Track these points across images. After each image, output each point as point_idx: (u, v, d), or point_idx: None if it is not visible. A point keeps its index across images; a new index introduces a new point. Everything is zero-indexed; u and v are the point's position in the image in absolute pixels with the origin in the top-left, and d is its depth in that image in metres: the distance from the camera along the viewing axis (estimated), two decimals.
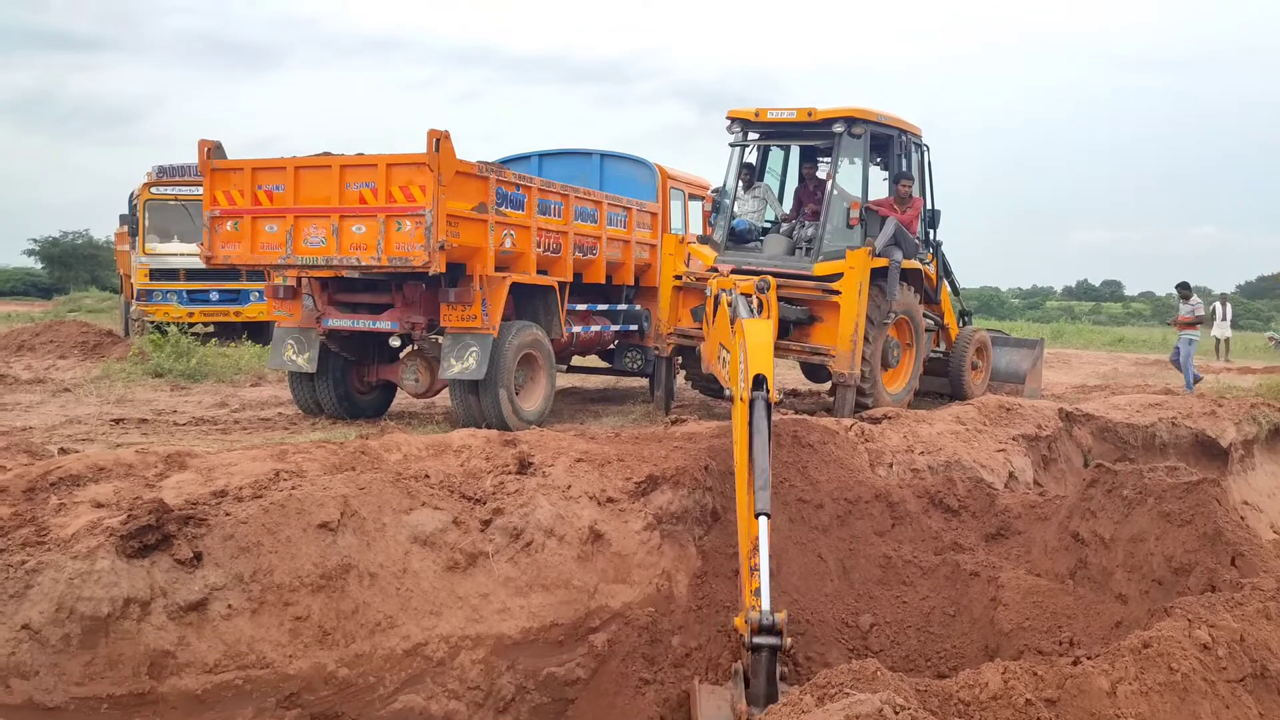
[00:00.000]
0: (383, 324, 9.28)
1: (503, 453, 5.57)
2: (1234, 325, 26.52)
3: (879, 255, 9.68)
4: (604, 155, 12.35)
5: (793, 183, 11.28)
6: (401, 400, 10.86)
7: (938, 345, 11.60)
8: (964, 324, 12.11)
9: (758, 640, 3.90)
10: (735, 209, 10.53)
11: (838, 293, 9.39)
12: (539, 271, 9.75)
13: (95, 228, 55.53)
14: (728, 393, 5.26)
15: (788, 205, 11.10)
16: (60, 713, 3.57)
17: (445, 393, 9.76)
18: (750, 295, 6.07)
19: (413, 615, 4.44)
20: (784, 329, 9.38)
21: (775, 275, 7.22)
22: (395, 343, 9.86)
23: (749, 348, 4.91)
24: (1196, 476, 4.97)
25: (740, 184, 10.67)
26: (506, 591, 4.80)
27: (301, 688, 4.03)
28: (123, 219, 19.22)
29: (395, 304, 9.33)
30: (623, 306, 11.67)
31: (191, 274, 16.89)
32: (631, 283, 11.62)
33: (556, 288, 9.94)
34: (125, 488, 4.47)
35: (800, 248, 10.08)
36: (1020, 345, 12.79)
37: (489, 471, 5.33)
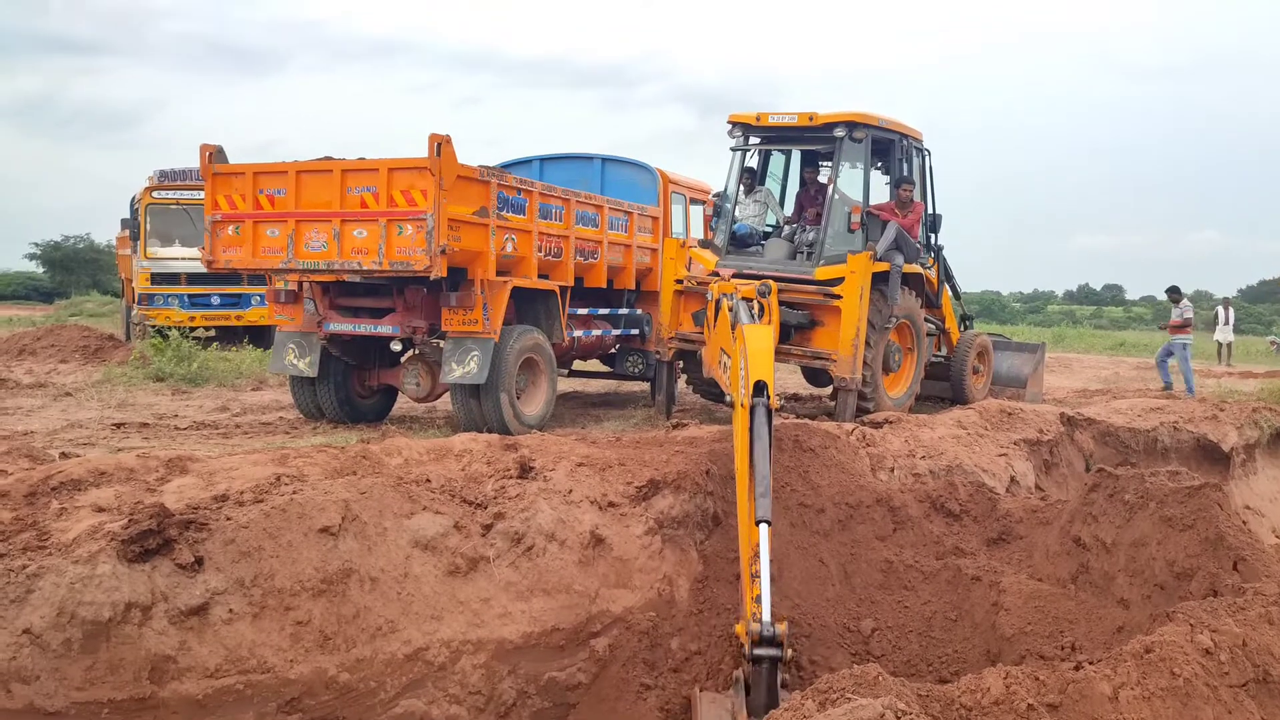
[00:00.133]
0: (384, 328, 9.29)
1: (504, 457, 5.57)
2: (1235, 330, 26.50)
3: (880, 259, 9.69)
4: (605, 160, 12.36)
5: (794, 187, 11.29)
6: (402, 404, 10.86)
7: (939, 349, 11.60)
8: (965, 328, 12.11)
9: (758, 652, 3.90)
10: (736, 213, 10.54)
11: (839, 297, 9.39)
12: (540, 276, 9.75)
13: (96, 232, 55.67)
14: (728, 398, 5.26)
15: (789, 209, 11.10)
16: (61, 717, 3.56)
17: (446, 397, 9.76)
18: (751, 300, 6.07)
19: (414, 620, 4.43)
20: (785, 333, 9.38)
21: (776, 279, 7.21)
22: (396, 347, 9.87)
23: (750, 353, 4.91)
24: (1198, 481, 4.96)
25: (741, 188, 10.68)
26: (508, 596, 4.80)
27: (302, 692, 4.03)
28: (124, 223, 19.24)
29: (396, 308, 9.33)
30: (624, 311, 11.67)
31: (193, 278, 16.91)
32: (633, 287, 11.63)
33: (558, 292, 9.94)
34: (126, 492, 4.47)
35: (801, 252, 10.09)
36: (1021, 349, 12.79)
37: (490, 476, 5.33)
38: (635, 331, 11.76)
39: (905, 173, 10.46)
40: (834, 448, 6.49)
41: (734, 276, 8.88)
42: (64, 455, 5.81)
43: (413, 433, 8.41)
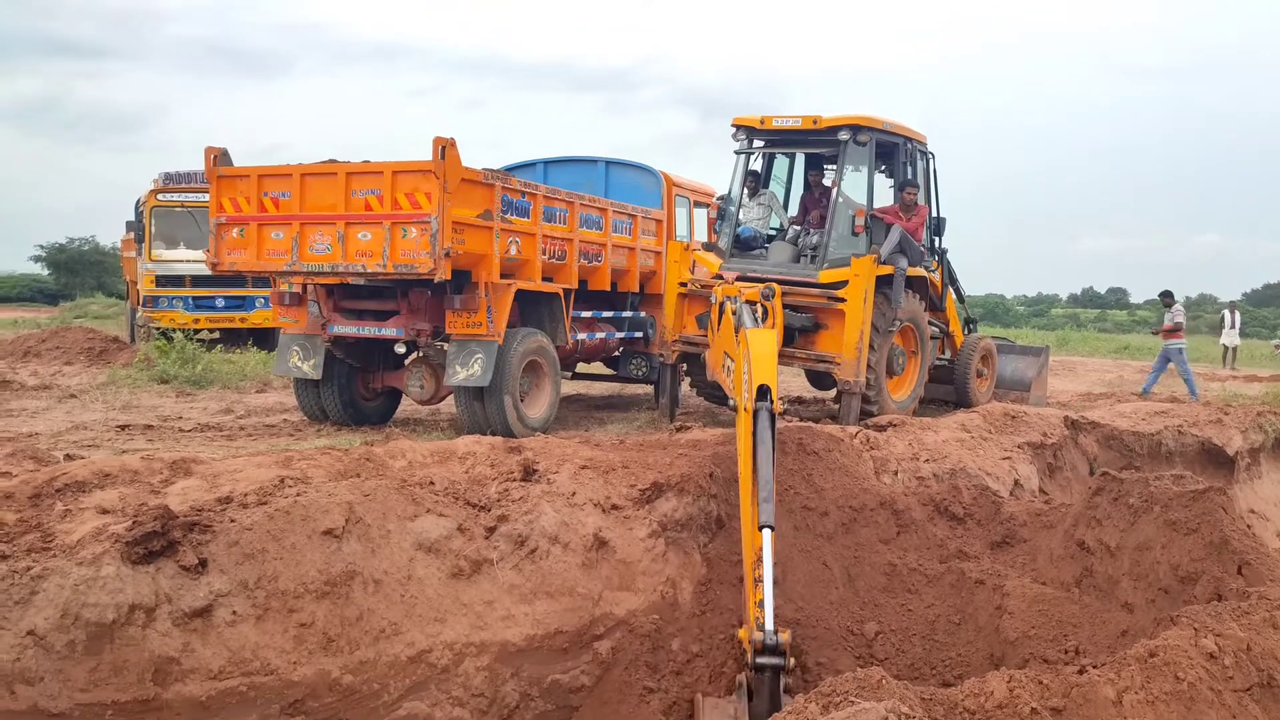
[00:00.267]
0: (388, 331, 9.29)
1: (507, 459, 5.57)
2: (1240, 333, 26.46)
3: (884, 263, 9.68)
4: (609, 163, 12.37)
5: (798, 190, 11.29)
6: (406, 407, 10.87)
7: (943, 353, 11.59)
8: (969, 331, 12.10)
9: (761, 661, 3.91)
10: (740, 216, 10.54)
11: (843, 300, 9.39)
12: (544, 278, 9.76)
13: (101, 234, 55.73)
14: (732, 402, 5.26)
15: (793, 213, 11.10)
16: (65, 719, 3.57)
17: (450, 399, 9.77)
18: (755, 303, 6.08)
19: (417, 622, 4.43)
20: (789, 336, 9.38)
21: (780, 283, 7.22)
22: (400, 349, 9.88)
23: (753, 358, 4.91)
24: (1202, 485, 4.96)
25: (745, 191, 10.68)
26: (511, 598, 4.80)
27: (306, 694, 4.03)
28: (129, 225, 19.28)
29: (400, 311, 9.34)
30: (628, 313, 11.67)
31: (197, 280, 16.94)
32: (636, 290, 11.63)
33: (561, 295, 9.95)
34: (131, 494, 4.48)
35: (805, 255, 10.09)
36: (1025, 353, 12.78)
37: (494, 478, 5.33)
38: (639, 334, 11.76)
39: (909, 176, 10.45)
40: (838, 451, 6.49)
41: (738, 279, 8.89)
42: (68, 457, 5.82)
43: (416, 435, 8.41)
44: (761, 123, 10.16)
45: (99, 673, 3.64)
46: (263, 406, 10.97)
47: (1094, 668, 3.32)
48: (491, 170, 9.09)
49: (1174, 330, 15.74)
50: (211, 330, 17.29)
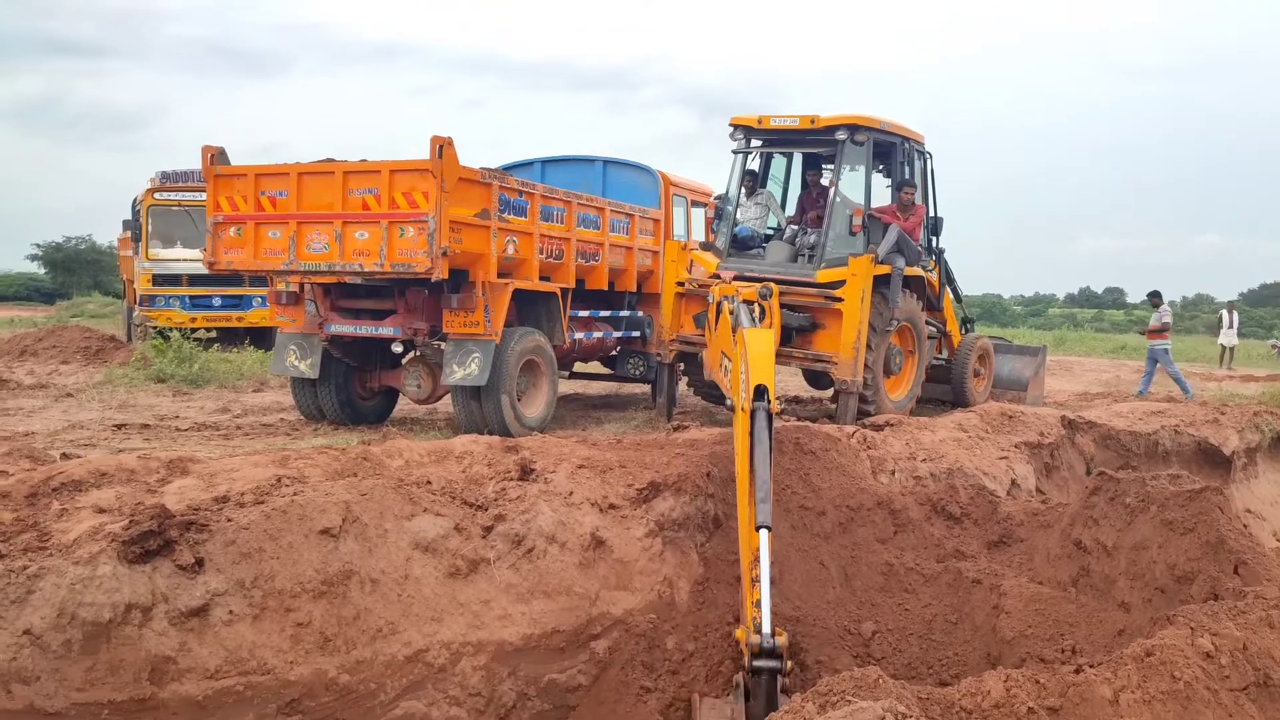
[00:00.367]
0: (385, 330, 9.29)
1: (505, 459, 5.57)
2: (1239, 334, 26.51)
3: (881, 262, 9.69)
4: (607, 162, 12.37)
5: (795, 190, 11.30)
6: (404, 406, 10.86)
7: (940, 352, 11.60)
8: (966, 331, 12.11)
9: (758, 664, 3.91)
10: (738, 216, 10.55)
11: (840, 300, 9.39)
12: (541, 278, 9.76)
13: (98, 233, 55.71)
14: (729, 402, 5.26)
15: (790, 212, 11.11)
16: (61, 718, 3.57)
17: (447, 399, 9.76)
18: (752, 302, 6.08)
19: (414, 621, 4.43)
20: (786, 336, 9.39)
21: (778, 282, 7.21)
22: (398, 349, 9.88)
23: (750, 357, 4.91)
24: (1199, 484, 4.96)
25: (743, 191, 10.68)
26: (508, 598, 4.80)
27: (303, 694, 4.03)
28: (126, 224, 19.26)
29: (398, 310, 9.34)
30: (625, 313, 11.67)
31: (194, 279, 16.93)
32: (634, 289, 11.63)
33: (559, 294, 9.95)
34: (127, 493, 4.48)
35: (803, 255, 10.10)
36: (1023, 352, 12.79)
37: (491, 478, 5.33)
38: (636, 334, 11.77)
39: (907, 175, 10.46)
40: (835, 450, 6.49)
41: (735, 279, 8.88)
42: (65, 456, 5.81)
43: (413, 434, 8.41)
44: (759, 122, 10.16)
45: (95, 672, 3.63)
46: (260, 406, 10.96)
47: (1091, 667, 3.33)
48: (489, 169, 9.08)
49: (1160, 331, 15.77)
50: (208, 329, 17.28)
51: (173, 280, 17.15)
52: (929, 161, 10.86)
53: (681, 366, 10.65)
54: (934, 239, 11.02)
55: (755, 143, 10.55)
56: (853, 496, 6.12)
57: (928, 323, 10.89)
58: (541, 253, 9.68)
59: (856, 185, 10.09)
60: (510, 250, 9.23)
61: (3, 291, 52.35)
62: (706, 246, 10.60)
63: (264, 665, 3.94)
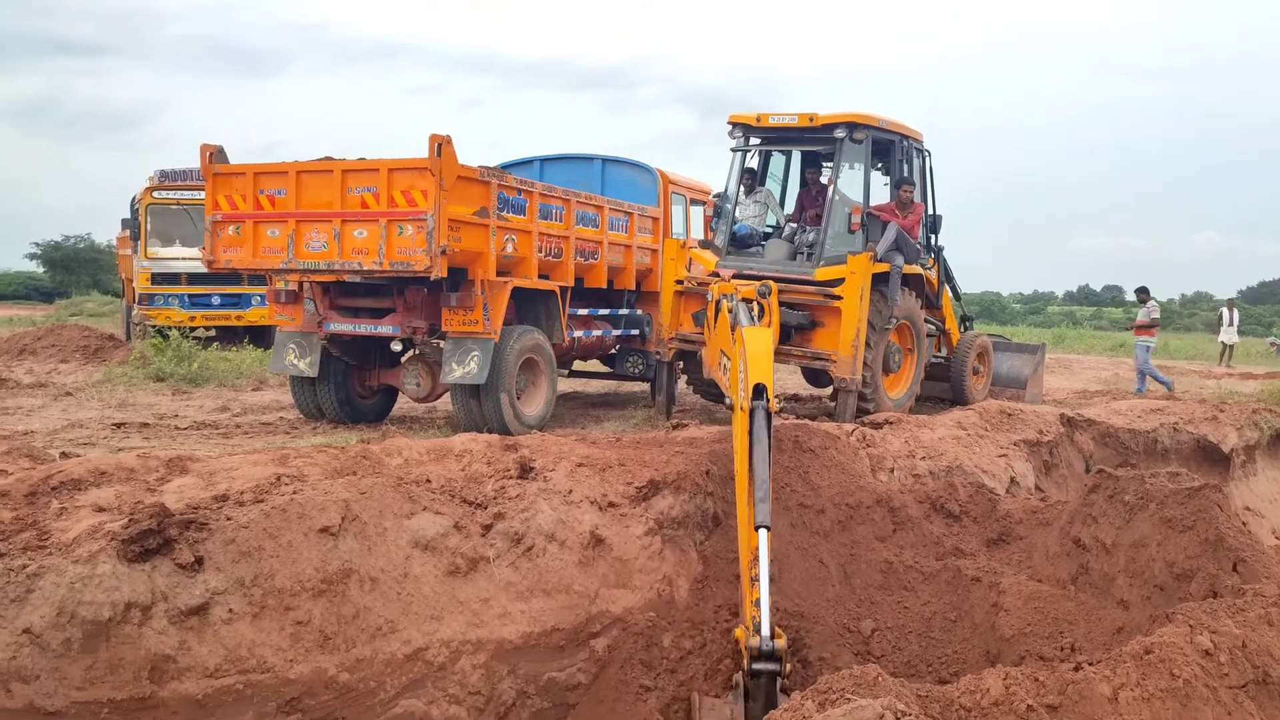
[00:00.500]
0: (384, 328, 9.29)
1: (504, 457, 5.57)
2: (1238, 331, 26.54)
3: (880, 260, 9.69)
4: (605, 160, 12.36)
5: (794, 188, 11.30)
6: (403, 405, 10.86)
7: (939, 350, 11.60)
8: (965, 329, 12.12)
9: (757, 667, 3.91)
10: (737, 214, 10.54)
11: (839, 298, 9.39)
12: (540, 276, 9.75)
13: (97, 232, 55.67)
14: (728, 401, 5.26)
15: (789, 210, 11.11)
16: (61, 717, 3.56)
17: (446, 397, 9.76)
18: (751, 300, 6.07)
19: (413, 620, 4.43)
20: (785, 334, 9.39)
21: (777, 280, 7.22)
22: (397, 347, 9.88)
23: (749, 356, 4.91)
24: (1198, 482, 4.96)
25: (742, 189, 10.68)
26: (507, 596, 4.80)
27: (302, 692, 4.03)
28: (125, 223, 19.26)
29: (397, 308, 9.34)
30: (624, 311, 11.67)
31: (193, 278, 16.92)
32: (633, 287, 11.63)
33: (558, 292, 9.95)
34: (127, 492, 4.48)
35: (802, 253, 10.10)
36: (1022, 350, 12.80)
37: (490, 476, 5.33)
38: (635, 332, 11.77)
39: (905, 173, 10.46)
40: (834, 448, 6.49)
41: (734, 277, 8.89)
42: (64, 455, 5.81)
43: (413, 433, 8.41)
44: (758, 120, 10.16)
45: (95, 671, 3.63)
46: (259, 404, 10.96)
47: (1090, 665, 3.33)
48: (488, 168, 9.08)
49: (1149, 326, 15.81)
50: (207, 328, 17.25)
51: (172, 279, 17.15)
52: (928, 159, 10.86)
53: (680, 365, 10.65)
54: (933, 237, 11.03)
55: (754, 141, 10.55)
56: (852, 494, 6.12)
57: (927, 320, 10.89)
58: (540, 251, 9.68)
59: (855, 183, 10.09)
60: (509, 249, 9.22)
61: (2, 290, 52.32)
62: (705, 244, 10.60)
63: (264, 664, 3.94)
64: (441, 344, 9.15)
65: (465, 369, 8.82)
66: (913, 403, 10.53)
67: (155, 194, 17.10)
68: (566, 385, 12.69)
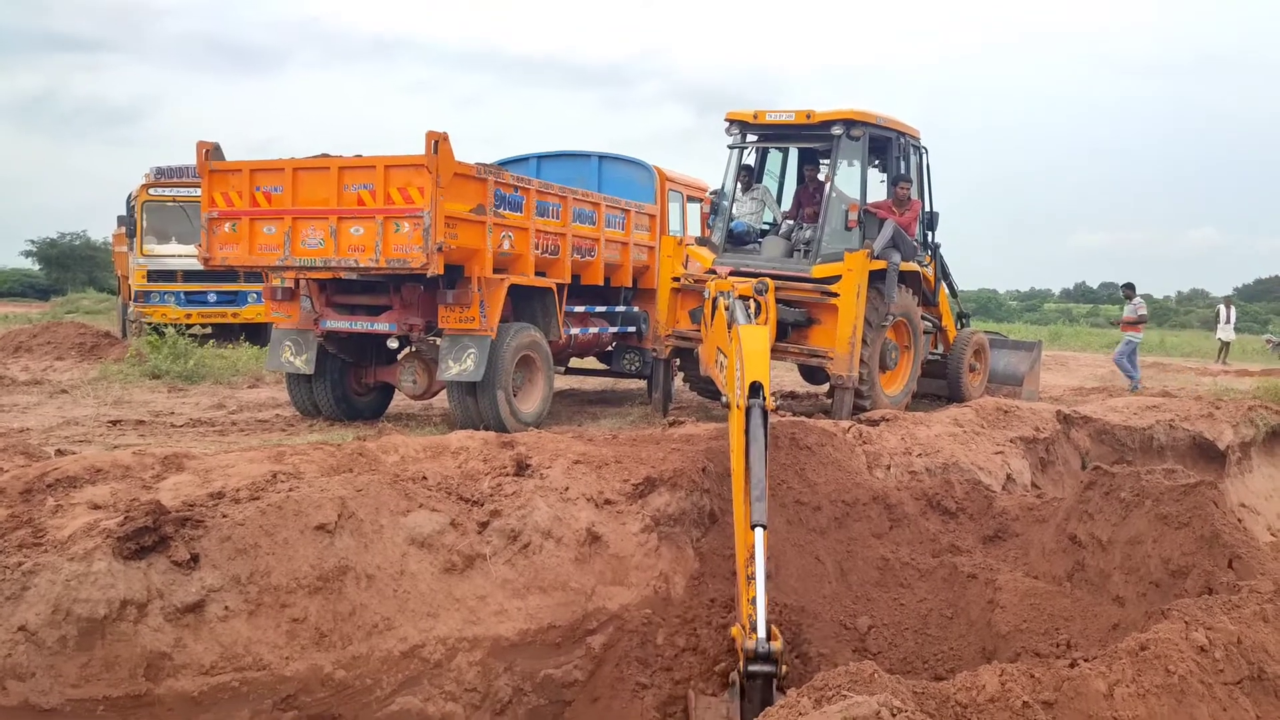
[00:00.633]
0: (380, 326, 9.28)
1: (500, 454, 5.57)
2: (1235, 328, 26.55)
3: (877, 257, 9.68)
4: (602, 157, 12.35)
5: (791, 185, 11.29)
6: (399, 402, 10.85)
7: (936, 347, 11.60)
8: (962, 326, 12.12)
9: (753, 669, 3.91)
10: (734, 211, 10.54)
11: (836, 295, 9.39)
12: (537, 273, 9.74)
13: (93, 229, 55.56)
14: (724, 398, 5.26)
15: (786, 207, 11.10)
16: (56, 714, 3.56)
17: (443, 394, 9.75)
18: (748, 297, 6.07)
19: (410, 617, 4.43)
20: (782, 331, 9.38)
21: (773, 277, 7.23)
22: (393, 344, 9.86)
23: (746, 354, 4.91)
24: (1194, 479, 4.98)
25: (739, 186, 10.67)
26: (504, 593, 4.80)
27: (298, 689, 4.03)
28: (120, 220, 19.22)
29: (393, 306, 9.32)
30: (621, 308, 11.66)
31: (189, 275, 16.89)
32: (630, 284, 11.62)
33: (554, 289, 9.94)
34: (122, 489, 4.47)
35: (798, 250, 10.09)
36: (1018, 347, 12.80)
37: (486, 473, 5.33)
38: (632, 329, 11.76)
39: (902, 170, 10.46)
40: (830, 445, 6.50)
41: (731, 274, 8.88)
42: (60, 452, 5.81)
43: (409, 430, 8.40)
44: (755, 117, 10.14)
45: (91, 668, 3.63)
46: (255, 402, 10.95)
47: (1085, 661, 3.34)
48: (484, 165, 9.07)
49: (1136, 323, 15.84)
50: (203, 325, 17.25)
51: (168, 276, 17.12)
52: (925, 156, 10.86)
53: (677, 362, 10.65)
54: (929, 234, 11.02)
55: (751, 138, 10.54)
56: (848, 491, 6.13)
57: (923, 318, 10.89)
58: (537, 248, 9.67)
59: (852, 180, 10.08)
60: (506, 245, 9.21)
61: None
62: (702, 241, 10.59)
63: (260, 661, 3.94)
64: (438, 341, 9.13)
65: (462, 366, 8.81)
66: (909, 400, 10.54)
67: (151, 191, 17.07)
68: (563, 382, 12.68)
